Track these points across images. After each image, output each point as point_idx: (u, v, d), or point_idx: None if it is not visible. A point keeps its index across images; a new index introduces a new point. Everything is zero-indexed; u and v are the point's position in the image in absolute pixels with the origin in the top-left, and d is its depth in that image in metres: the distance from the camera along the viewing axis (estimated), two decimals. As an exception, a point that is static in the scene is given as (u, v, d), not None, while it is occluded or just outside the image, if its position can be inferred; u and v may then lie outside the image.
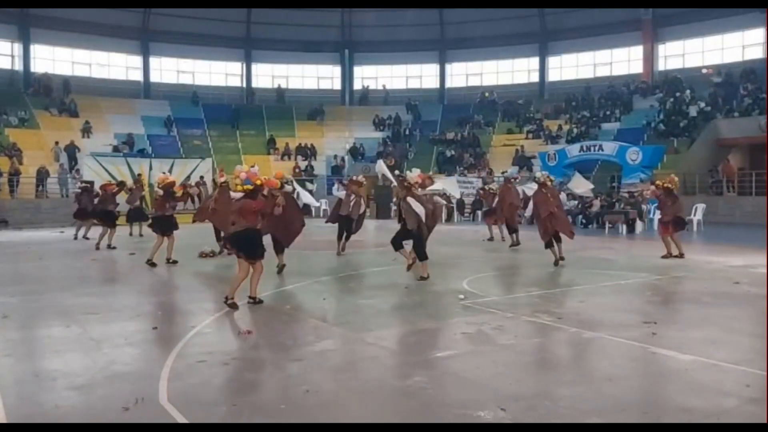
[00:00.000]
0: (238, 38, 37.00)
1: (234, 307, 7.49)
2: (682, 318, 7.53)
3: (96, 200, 16.18)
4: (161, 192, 12.14)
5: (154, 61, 36.13)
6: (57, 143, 26.95)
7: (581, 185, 14.20)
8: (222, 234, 12.30)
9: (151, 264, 11.53)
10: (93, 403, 4.59)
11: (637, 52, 33.73)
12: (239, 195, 7.86)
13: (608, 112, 31.10)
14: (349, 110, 37.30)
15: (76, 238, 17.31)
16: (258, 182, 7.79)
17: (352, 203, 13.49)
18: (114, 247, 14.45)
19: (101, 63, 34.96)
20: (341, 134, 35.24)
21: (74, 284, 9.84)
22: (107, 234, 14.84)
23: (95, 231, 16.24)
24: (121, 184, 16.94)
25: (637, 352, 5.86)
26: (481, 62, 37.74)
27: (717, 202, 22.61)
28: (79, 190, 17.65)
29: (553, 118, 32.49)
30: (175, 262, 11.86)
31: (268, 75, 38.09)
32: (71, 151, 26.71)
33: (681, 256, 12.40)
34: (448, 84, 38.44)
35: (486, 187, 18.68)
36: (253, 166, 8.08)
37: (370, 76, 38.92)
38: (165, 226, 12.03)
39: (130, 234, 18.01)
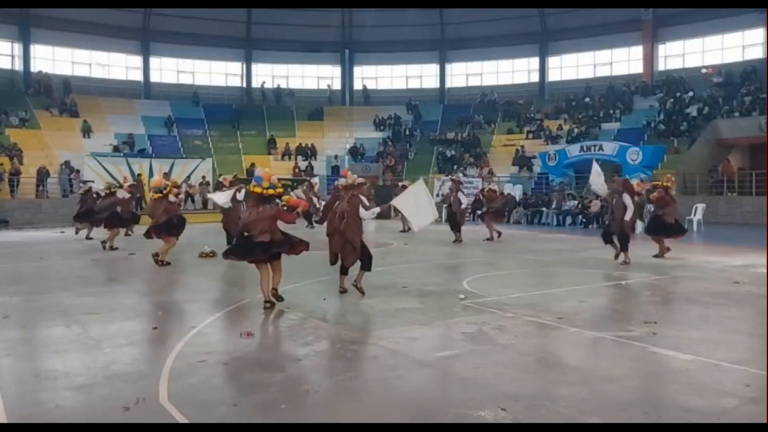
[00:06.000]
0: (238, 38, 36.94)
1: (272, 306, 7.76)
2: (682, 318, 7.53)
3: (102, 200, 16.07)
4: (159, 195, 12.18)
5: (155, 61, 36.07)
6: (62, 165, 26.44)
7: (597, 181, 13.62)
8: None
9: (166, 263, 11.69)
10: (93, 403, 4.60)
11: (637, 52, 33.66)
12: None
13: (608, 112, 31.07)
14: (349, 110, 37.26)
15: (77, 232, 17.38)
16: (281, 188, 7.93)
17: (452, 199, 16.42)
18: (115, 248, 14.44)
19: (101, 63, 34.90)
20: (341, 134, 35.22)
21: (74, 284, 9.83)
22: (113, 235, 14.81)
23: (98, 231, 16.28)
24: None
25: (637, 352, 5.86)
26: (481, 62, 37.69)
27: (717, 202, 22.58)
28: (84, 192, 17.65)
29: (553, 118, 32.45)
30: (168, 263, 11.85)
31: (268, 75, 38.07)
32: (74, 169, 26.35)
33: (662, 254, 12.62)
34: (448, 84, 38.37)
35: (487, 187, 18.68)
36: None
37: (370, 76, 38.92)
38: (179, 227, 12.25)
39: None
